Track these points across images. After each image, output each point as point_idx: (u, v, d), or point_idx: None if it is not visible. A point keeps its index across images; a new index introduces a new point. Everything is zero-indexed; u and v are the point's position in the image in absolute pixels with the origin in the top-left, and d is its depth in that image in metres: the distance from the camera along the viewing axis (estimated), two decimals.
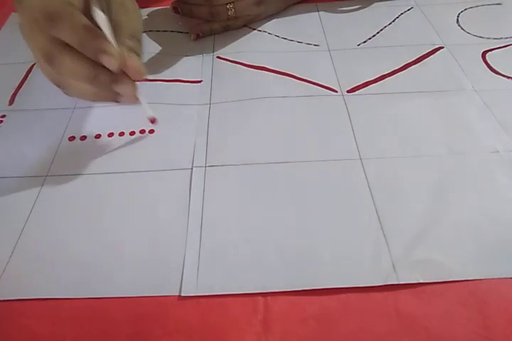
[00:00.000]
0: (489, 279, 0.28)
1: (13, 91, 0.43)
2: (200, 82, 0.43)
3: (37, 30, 0.29)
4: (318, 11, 0.52)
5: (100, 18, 0.29)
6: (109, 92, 0.32)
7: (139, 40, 0.34)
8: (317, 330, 0.26)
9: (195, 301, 0.27)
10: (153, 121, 0.37)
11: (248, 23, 0.49)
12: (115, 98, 0.33)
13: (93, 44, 0.29)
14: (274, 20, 0.50)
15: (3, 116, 0.40)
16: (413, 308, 0.27)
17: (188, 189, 0.33)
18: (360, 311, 0.27)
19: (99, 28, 0.30)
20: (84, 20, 0.30)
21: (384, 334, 0.26)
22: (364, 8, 0.52)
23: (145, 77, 0.32)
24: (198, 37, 0.48)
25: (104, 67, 0.30)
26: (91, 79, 0.30)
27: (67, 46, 0.29)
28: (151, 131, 0.38)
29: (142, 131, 0.38)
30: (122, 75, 0.32)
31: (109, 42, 0.30)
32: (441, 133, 0.37)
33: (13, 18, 0.53)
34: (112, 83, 0.31)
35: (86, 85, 0.31)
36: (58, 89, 0.34)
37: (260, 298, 0.27)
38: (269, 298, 0.27)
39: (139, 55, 0.33)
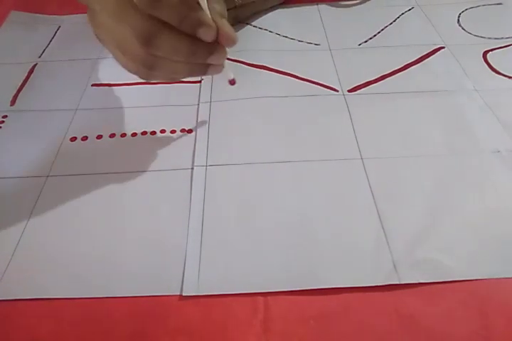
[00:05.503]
0: (489, 279, 0.28)
1: (14, 91, 0.43)
2: (200, 81, 0.43)
3: (131, 13, 0.28)
4: (319, 10, 0.52)
5: None
6: (203, 66, 0.32)
7: (222, 2, 0.33)
8: (317, 330, 0.26)
9: (196, 301, 0.27)
10: (232, 82, 0.36)
11: (255, 13, 0.49)
12: (206, 70, 0.32)
13: (191, 18, 0.28)
14: (275, 19, 0.50)
15: (5, 116, 0.40)
16: (413, 308, 0.27)
17: (189, 188, 0.33)
18: (360, 311, 0.27)
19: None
20: None
21: (384, 334, 0.26)
22: (364, 2, 0.52)
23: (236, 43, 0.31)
24: None
25: (200, 40, 0.29)
26: (190, 56, 0.30)
27: (165, 24, 0.28)
28: (153, 133, 0.38)
29: (144, 133, 0.38)
30: (217, 45, 0.30)
31: (205, 13, 0.29)
32: (442, 133, 0.37)
33: (12, 17, 0.53)
34: (209, 56, 0.30)
35: (180, 64, 0.30)
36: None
37: (260, 297, 0.28)
38: (269, 297, 0.27)
39: (226, 18, 0.32)
